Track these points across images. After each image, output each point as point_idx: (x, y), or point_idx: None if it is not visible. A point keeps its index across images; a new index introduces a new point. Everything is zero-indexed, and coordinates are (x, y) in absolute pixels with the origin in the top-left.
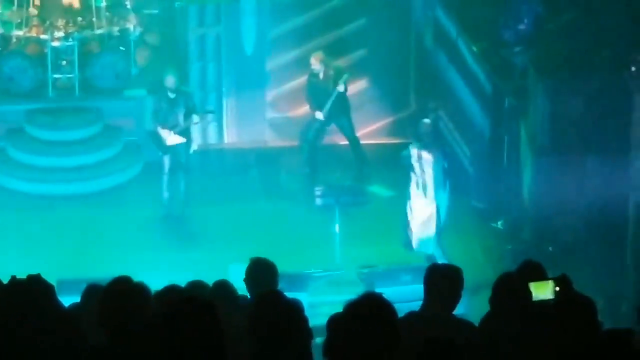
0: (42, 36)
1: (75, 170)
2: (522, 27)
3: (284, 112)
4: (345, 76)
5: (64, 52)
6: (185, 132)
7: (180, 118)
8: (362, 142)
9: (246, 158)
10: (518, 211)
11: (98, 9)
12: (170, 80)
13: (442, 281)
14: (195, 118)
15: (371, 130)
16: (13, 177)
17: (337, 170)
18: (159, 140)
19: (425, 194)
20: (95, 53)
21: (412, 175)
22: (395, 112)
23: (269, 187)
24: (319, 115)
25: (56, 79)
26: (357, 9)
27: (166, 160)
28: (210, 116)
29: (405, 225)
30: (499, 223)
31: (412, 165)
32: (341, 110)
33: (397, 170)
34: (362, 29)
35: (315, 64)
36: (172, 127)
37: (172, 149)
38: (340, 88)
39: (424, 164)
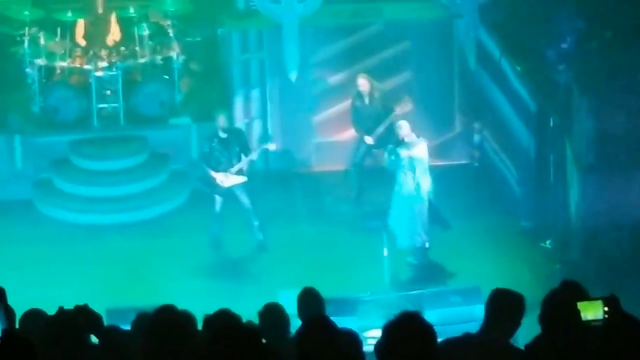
0: (86, 66)
1: (122, 200)
2: (564, 45)
3: (330, 136)
4: (400, 101)
5: (108, 82)
6: (242, 171)
7: (235, 158)
8: None
9: (292, 182)
10: (566, 229)
11: (141, 37)
12: (221, 120)
13: (506, 307)
14: (253, 154)
15: None
16: (59, 207)
17: (384, 193)
18: (211, 183)
19: (420, 191)
20: (139, 82)
21: (403, 175)
22: (440, 133)
23: (315, 211)
24: (369, 140)
25: (101, 108)
26: (400, 32)
27: (218, 200)
28: (270, 147)
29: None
30: (547, 242)
31: (402, 165)
32: (390, 134)
33: (444, 192)
34: (405, 52)
35: (363, 85)
36: (226, 169)
37: (228, 191)
38: (398, 111)
39: (415, 161)
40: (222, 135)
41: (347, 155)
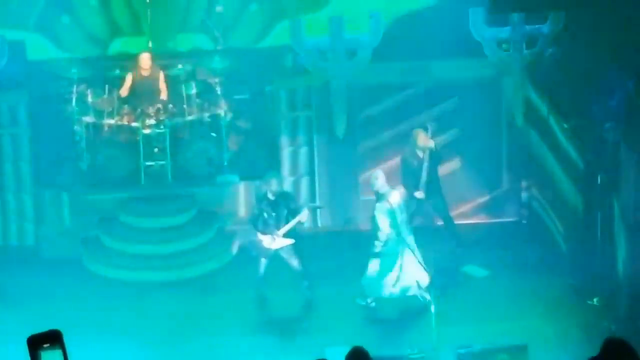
0: (134, 124)
1: (169, 258)
2: (612, 102)
3: None
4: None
5: (156, 140)
6: (290, 234)
7: (283, 221)
8: (455, 221)
9: (340, 241)
10: (613, 287)
11: (188, 96)
12: (271, 183)
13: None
14: (301, 216)
15: (464, 209)
16: (107, 265)
17: (431, 250)
18: (259, 245)
19: (399, 241)
20: (186, 140)
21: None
22: (488, 191)
23: (363, 270)
24: (420, 194)
25: (148, 166)
26: (448, 89)
27: (263, 262)
28: (318, 210)
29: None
30: (595, 300)
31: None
32: (435, 190)
33: (492, 250)
34: (453, 110)
35: (422, 140)
36: (274, 231)
37: (276, 253)
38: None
39: (392, 211)
40: (271, 197)
41: None
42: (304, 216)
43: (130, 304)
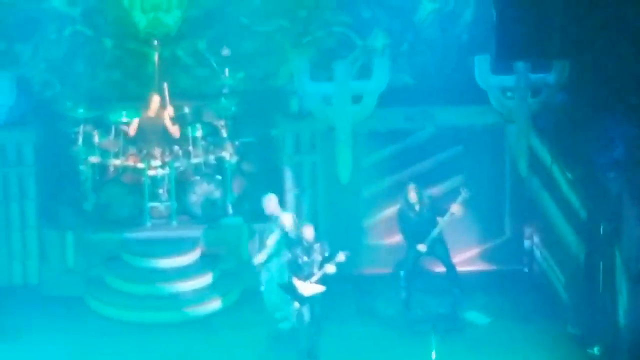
0: (139, 165)
1: (173, 298)
2: (615, 153)
3: (380, 239)
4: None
5: (161, 181)
6: (322, 281)
7: (316, 267)
8: (457, 268)
9: (343, 284)
10: (614, 337)
11: (194, 138)
12: (308, 231)
13: None
14: (329, 266)
15: (467, 257)
16: (110, 304)
17: (433, 296)
18: (295, 291)
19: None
20: (191, 182)
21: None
22: (490, 239)
23: (365, 313)
24: (422, 247)
25: (153, 207)
26: (452, 137)
27: (305, 311)
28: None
29: None
30: (595, 349)
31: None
32: (438, 239)
33: (493, 297)
34: (457, 156)
35: (412, 195)
36: (307, 278)
37: (310, 300)
38: (455, 210)
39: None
40: (306, 244)
41: (396, 259)
42: (332, 267)
43: (133, 344)
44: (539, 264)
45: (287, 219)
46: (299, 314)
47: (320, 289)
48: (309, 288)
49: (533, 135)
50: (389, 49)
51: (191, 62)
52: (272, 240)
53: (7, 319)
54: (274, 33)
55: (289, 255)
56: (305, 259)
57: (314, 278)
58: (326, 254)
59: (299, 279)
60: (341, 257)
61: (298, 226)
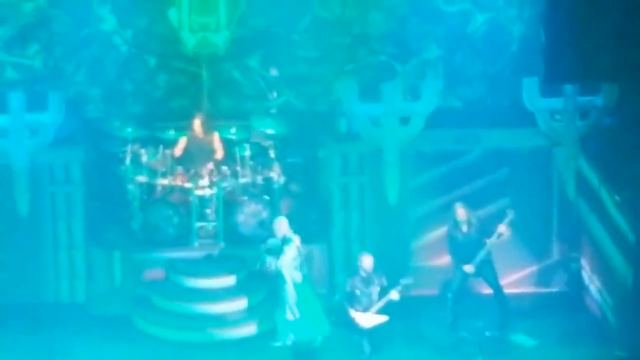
0: (187, 185)
1: (219, 319)
2: None
3: (427, 260)
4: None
5: (209, 201)
6: (382, 311)
7: (375, 298)
8: (505, 290)
9: (389, 307)
10: None
11: (242, 157)
12: (365, 260)
13: None
14: (393, 293)
15: (514, 279)
16: (156, 324)
17: (480, 318)
18: (353, 324)
19: None
20: (239, 202)
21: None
22: (537, 261)
23: (412, 335)
24: (469, 268)
25: (200, 227)
26: (499, 159)
27: (366, 345)
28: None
29: None
30: None
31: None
32: (485, 260)
33: (541, 319)
34: (504, 179)
35: (460, 213)
36: (366, 309)
37: (370, 331)
38: (502, 230)
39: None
40: (364, 274)
41: (443, 281)
42: (396, 294)
43: None
44: (586, 286)
45: (298, 241)
46: (360, 347)
47: (382, 319)
48: (369, 320)
49: (581, 158)
50: (442, 61)
51: (239, 82)
52: (289, 256)
53: (54, 337)
54: (322, 57)
55: (347, 286)
56: (363, 289)
57: (374, 308)
58: (384, 284)
59: (357, 310)
60: (406, 282)
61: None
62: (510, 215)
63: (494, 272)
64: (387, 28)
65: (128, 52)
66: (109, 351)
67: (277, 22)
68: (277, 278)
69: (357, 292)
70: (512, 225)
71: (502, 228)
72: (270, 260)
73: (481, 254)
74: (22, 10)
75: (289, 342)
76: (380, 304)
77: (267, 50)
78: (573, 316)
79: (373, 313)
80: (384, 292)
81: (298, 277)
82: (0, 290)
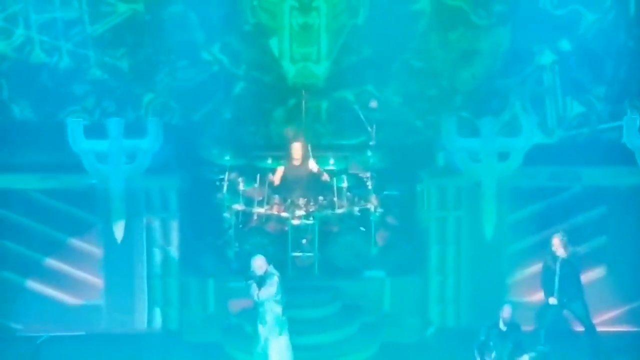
0: (283, 214)
1: (312, 349)
2: None
3: (523, 296)
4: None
5: (304, 231)
6: None
7: (507, 354)
8: (599, 328)
9: None
10: None
11: (339, 189)
12: (507, 311)
13: None
14: (525, 358)
15: (607, 317)
16: (249, 353)
17: (572, 355)
18: None
19: None
20: (335, 233)
21: None
22: (632, 300)
23: None
24: (553, 300)
25: (295, 257)
26: (598, 196)
27: None
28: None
29: None
30: None
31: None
32: (576, 296)
33: (635, 358)
34: (601, 217)
35: (556, 243)
36: None
37: None
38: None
39: None
40: (503, 328)
41: (536, 315)
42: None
43: None
44: None
45: (277, 278)
46: None
47: None
48: None
49: None
50: (557, 65)
51: (338, 113)
52: (272, 289)
53: None
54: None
55: (482, 335)
56: (498, 342)
57: None
58: (519, 340)
59: None
60: (543, 349)
61: None
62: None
63: (585, 309)
64: (475, 85)
65: (227, 79)
66: None
67: (379, 55)
68: (257, 309)
69: (491, 343)
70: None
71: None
72: (255, 288)
73: (556, 282)
74: (117, 10)
75: None
76: None
77: (367, 82)
78: None
79: None
80: (517, 348)
81: (278, 310)
82: (97, 317)
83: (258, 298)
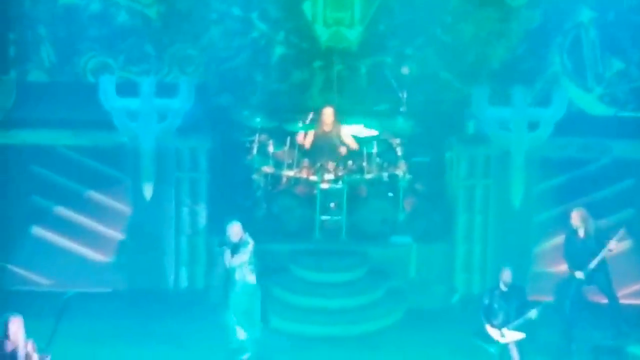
0: (312, 178)
1: (337, 313)
2: None
3: (547, 266)
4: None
5: (333, 195)
6: (520, 327)
7: (513, 313)
8: (623, 301)
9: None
10: None
11: (369, 154)
12: (506, 274)
13: None
14: (532, 312)
15: (631, 290)
16: (275, 315)
17: (596, 328)
18: (488, 339)
19: None
20: (363, 197)
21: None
22: None
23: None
24: (580, 274)
25: (323, 221)
26: (627, 169)
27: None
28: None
29: None
30: None
31: None
32: (601, 269)
33: None
34: (629, 190)
35: (576, 220)
36: (502, 325)
37: (507, 347)
38: (612, 247)
39: None
40: (504, 289)
41: (560, 288)
42: (533, 313)
43: (293, 357)
44: None
45: (252, 246)
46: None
47: (519, 336)
48: (505, 335)
49: None
50: (595, 22)
51: (370, 78)
52: (245, 256)
53: (172, 322)
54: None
55: (485, 299)
56: (502, 304)
57: (511, 325)
58: (523, 300)
59: (493, 326)
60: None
61: None
62: (622, 234)
63: (609, 281)
64: (504, 60)
65: (259, 42)
66: (225, 339)
67: (414, 19)
68: (228, 276)
69: (495, 305)
70: (622, 241)
71: (613, 245)
72: (228, 254)
73: (593, 263)
74: None
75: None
76: (519, 321)
77: (400, 47)
78: None
79: (510, 329)
80: (523, 308)
81: (251, 278)
82: (124, 275)
83: (230, 264)
